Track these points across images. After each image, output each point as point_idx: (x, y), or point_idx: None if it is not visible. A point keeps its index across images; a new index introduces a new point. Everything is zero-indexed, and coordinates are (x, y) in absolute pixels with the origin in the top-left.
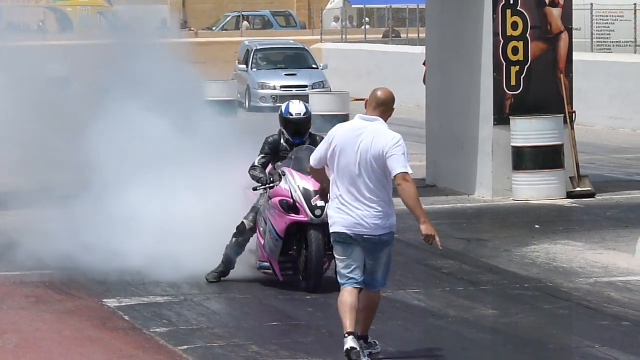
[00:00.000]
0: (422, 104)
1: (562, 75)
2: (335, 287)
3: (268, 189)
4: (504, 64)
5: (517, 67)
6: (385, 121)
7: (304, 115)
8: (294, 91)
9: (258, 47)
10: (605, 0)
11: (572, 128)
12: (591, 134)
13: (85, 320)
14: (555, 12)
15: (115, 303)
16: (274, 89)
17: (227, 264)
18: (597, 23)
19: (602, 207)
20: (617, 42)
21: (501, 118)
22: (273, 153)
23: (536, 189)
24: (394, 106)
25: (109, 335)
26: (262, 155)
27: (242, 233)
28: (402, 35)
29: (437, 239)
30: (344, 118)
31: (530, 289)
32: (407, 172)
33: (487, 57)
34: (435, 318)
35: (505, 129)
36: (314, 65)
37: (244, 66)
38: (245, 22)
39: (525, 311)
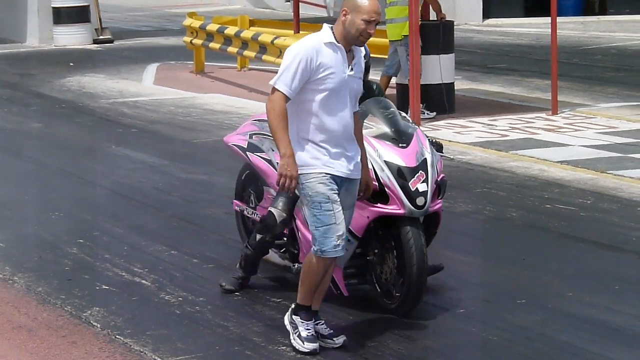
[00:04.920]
0: None
1: None
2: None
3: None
4: None
5: None
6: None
7: (365, 60)
8: None
9: None
10: None
11: None
12: None
13: None
14: None
15: None
16: None
17: (249, 268)
18: None
19: (119, 49)
20: None
21: None
22: None
23: (71, 37)
24: None
25: None
26: None
27: (272, 229)
28: None
29: (287, 180)
30: None
31: (67, 108)
32: (273, 86)
33: None
34: None
35: None
36: None
37: None
38: None
39: (63, 124)
